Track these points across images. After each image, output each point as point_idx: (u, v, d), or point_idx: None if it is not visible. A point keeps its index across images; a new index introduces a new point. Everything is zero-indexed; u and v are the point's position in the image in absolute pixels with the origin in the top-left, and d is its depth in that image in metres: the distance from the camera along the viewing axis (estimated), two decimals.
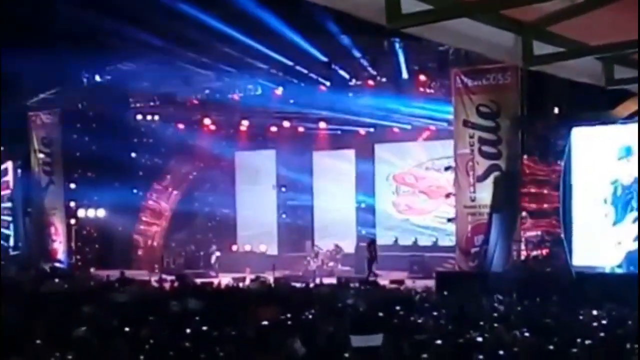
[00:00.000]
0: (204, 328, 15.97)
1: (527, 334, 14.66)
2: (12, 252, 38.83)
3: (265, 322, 16.59)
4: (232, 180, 40.83)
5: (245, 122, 38.12)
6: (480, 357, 12.43)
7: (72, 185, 38.39)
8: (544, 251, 26.54)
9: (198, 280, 29.18)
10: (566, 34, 6.23)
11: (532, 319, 16.59)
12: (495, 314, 17.97)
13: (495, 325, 16.04)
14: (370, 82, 31.35)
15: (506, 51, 6.30)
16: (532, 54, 6.28)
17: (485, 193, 27.26)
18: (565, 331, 14.84)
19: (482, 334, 14.75)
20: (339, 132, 37.05)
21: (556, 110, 27.32)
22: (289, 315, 17.73)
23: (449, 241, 31.15)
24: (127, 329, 16.05)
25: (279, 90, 33.13)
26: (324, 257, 34.35)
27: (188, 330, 15.84)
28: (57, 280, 28.71)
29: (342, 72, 31.16)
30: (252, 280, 29.11)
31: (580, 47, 6.51)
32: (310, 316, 18.05)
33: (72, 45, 31.21)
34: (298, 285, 27.25)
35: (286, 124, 37.22)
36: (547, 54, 6.41)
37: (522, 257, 26.54)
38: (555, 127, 26.71)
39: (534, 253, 26.60)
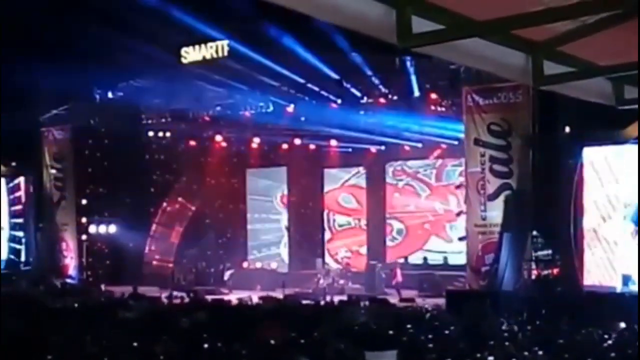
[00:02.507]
0: (214, 345, 15.98)
1: (537, 353, 14.63)
2: (23, 268, 38.88)
3: (274, 341, 16.60)
4: (243, 197, 40.87)
5: (256, 139, 38.20)
6: None
7: (84, 201, 38.46)
8: (555, 270, 26.47)
9: (209, 297, 29.14)
10: (576, 54, 6.25)
11: (542, 338, 16.56)
12: (506, 333, 17.93)
13: (506, 344, 16.01)
14: (382, 100, 31.41)
15: (517, 71, 6.32)
16: (543, 73, 6.30)
17: (496, 212, 27.25)
18: (576, 351, 14.81)
19: (493, 353, 14.72)
20: (349, 149, 37.07)
21: (567, 129, 27.30)
22: (299, 333, 17.72)
23: (459, 260, 31.12)
24: (137, 344, 16.08)
25: (291, 108, 33.21)
26: (334, 274, 34.29)
27: (198, 347, 15.86)
28: (69, 296, 28.78)
29: (353, 90, 31.21)
30: (261, 298, 29.08)
31: (590, 67, 6.53)
32: (320, 334, 18.03)
33: (84, 61, 31.41)
34: (308, 302, 27.23)
35: (297, 141, 37.27)
36: (557, 74, 6.43)
37: (533, 277, 26.48)
38: (566, 147, 26.67)
39: (545, 272, 26.53)
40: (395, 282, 32.39)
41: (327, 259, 37.64)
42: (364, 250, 36.74)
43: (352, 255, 37.27)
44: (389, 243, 36.49)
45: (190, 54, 31.31)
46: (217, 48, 30.77)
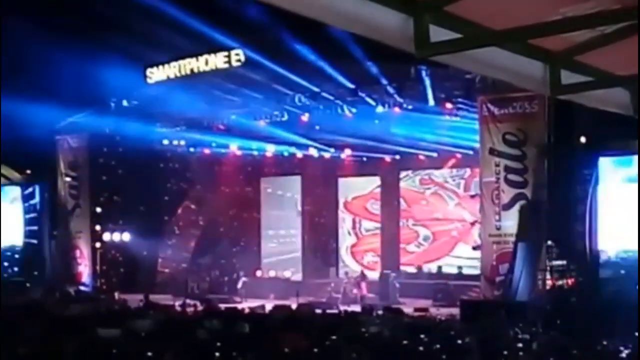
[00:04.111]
0: (227, 354, 15.95)
1: None
2: (37, 275, 38.94)
3: (288, 349, 16.57)
4: (257, 205, 40.92)
5: (270, 148, 38.20)
6: None
7: (98, 209, 38.53)
8: (570, 280, 26.34)
9: (222, 306, 29.13)
10: (594, 64, 6.23)
11: (557, 349, 16.47)
12: (521, 344, 17.85)
13: (521, 354, 15.94)
14: (397, 109, 31.34)
15: (534, 80, 6.30)
16: (560, 83, 6.28)
17: (510, 222, 27.16)
18: None
19: None
20: (364, 158, 37.08)
21: (583, 139, 27.19)
22: (312, 342, 17.67)
23: (473, 269, 31.04)
24: (149, 353, 16.06)
25: (305, 117, 33.18)
26: (348, 283, 34.25)
27: (211, 356, 15.83)
28: (82, 303, 28.83)
29: (368, 99, 31.17)
30: (275, 307, 29.07)
31: (607, 77, 6.51)
32: (334, 343, 17.98)
33: (100, 69, 31.57)
34: (322, 311, 27.18)
35: (312, 150, 37.26)
36: (574, 83, 6.41)
37: (548, 287, 26.36)
38: (581, 156, 26.56)
39: (560, 282, 26.40)
40: (360, 295, 32.57)
41: (353, 263, 37.66)
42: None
43: (379, 259, 37.37)
44: (414, 249, 36.55)
45: (155, 74, 32.66)
46: (179, 67, 31.91)
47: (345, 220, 38.86)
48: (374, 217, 38.29)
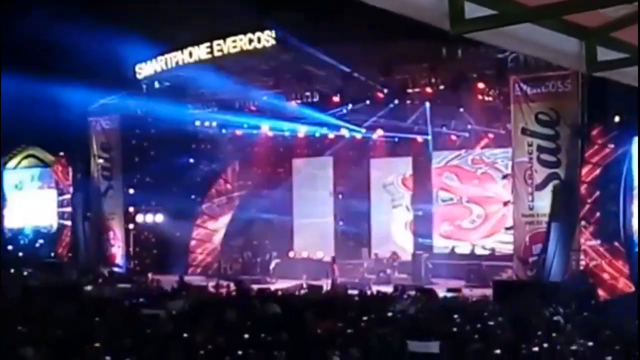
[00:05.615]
0: (259, 335, 16.00)
1: (586, 345, 14.49)
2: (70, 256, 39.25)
3: (321, 331, 16.62)
4: (289, 186, 40.88)
5: (302, 129, 38.17)
6: None
7: (131, 191, 38.67)
8: (604, 261, 26.19)
9: (255, 287, 29.22)
10: (630, 40, 6.14)
11: (591, 330, 16.39)
12: (554, 324, 17.78)
13: (554, 335, 15.88)
14: (428, 90, 31.20)
15: (570, 57, 6.22)
16: (596, 59, 6.20)
17: (543, 202, 27.03)
18: (624, 342, 14.63)
19: (540, 344, 14.60)
20: (395, 139, 36.92)
21: (617, 118, 26.97)
22: (345, 323, 17.70)
23: (506, 250, 30.92)
24: (185, 335, 16.14)
25: (337, 97, 33.10)
26: (380, 264, 34.26)
27: (244, 337, 15.89)
28: (115, 284, 29.11)
29: (399, 78, 31.04)
30: (308, 288, 29.16)
31: None
32: (366, 324, 18.00)
33: (132, 51, 31.78)
34: (354, 292, 27.21)
35: (343, 131, 37.19)
36: (610, 60, 6.32)
37: (581, 267, 26.24)
38: (616, 136, 26.35)
39: (593, 263, 26.25)
40: (333, 278, 32.54)
41: (411, 238, 37.24)
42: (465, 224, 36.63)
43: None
44: (468, 225, 36.13)
45: (144, 69, 33.85)
46: (165, 61, 32.63)
47: (404, 197, 38.39)
48: None
